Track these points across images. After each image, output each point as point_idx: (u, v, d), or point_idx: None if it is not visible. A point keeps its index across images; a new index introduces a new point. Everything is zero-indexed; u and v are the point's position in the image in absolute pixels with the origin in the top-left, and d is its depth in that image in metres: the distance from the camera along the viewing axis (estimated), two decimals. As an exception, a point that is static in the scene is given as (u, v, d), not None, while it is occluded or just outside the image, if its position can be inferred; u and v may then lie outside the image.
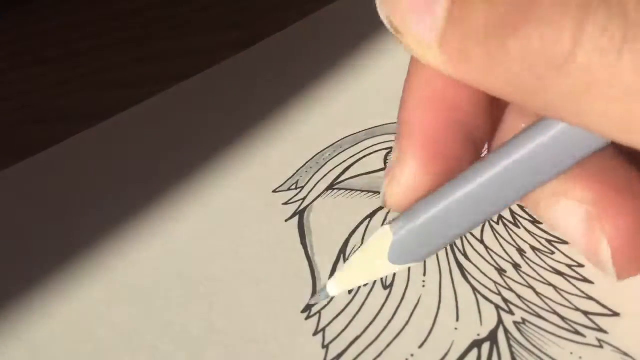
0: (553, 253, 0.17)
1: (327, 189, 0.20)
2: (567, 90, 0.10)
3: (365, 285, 0.17)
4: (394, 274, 0.17)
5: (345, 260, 0.18)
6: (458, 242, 0.18)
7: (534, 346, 0.15)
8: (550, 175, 0.12)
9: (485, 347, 0.15)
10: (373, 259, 0.14)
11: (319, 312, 0.16)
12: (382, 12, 0.12)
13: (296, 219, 0.19)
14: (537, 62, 0.10)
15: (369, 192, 0.20)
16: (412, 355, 0.15)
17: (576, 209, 0.14)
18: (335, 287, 0.15)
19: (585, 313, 0.16)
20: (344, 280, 0.15)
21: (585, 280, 0.17)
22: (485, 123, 0.14)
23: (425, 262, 0.17)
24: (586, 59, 0.09)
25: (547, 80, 0.10)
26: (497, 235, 0.18)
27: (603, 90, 0.10)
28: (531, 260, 0.17)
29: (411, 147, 0.13)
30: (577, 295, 0.16)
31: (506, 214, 0.18)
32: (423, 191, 0.13)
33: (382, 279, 0.17)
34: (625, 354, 0.15)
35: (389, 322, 0.16)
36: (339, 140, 0.21)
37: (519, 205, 0.19)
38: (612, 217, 0.13)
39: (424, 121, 0.13)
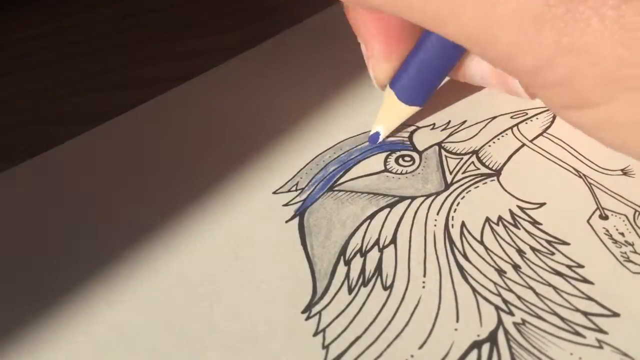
0: (553, 254, 0.17)
1: (327, 191, 0.20)
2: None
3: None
4: (394, 274, 0.17)
5: (345, 262, 0.18)
6: (458, 243, 0.18)
7: (534, 347, 0.15)
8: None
9: (485, 348, 0.15)
10: (391, 106, 0.21)
11: (319, 312, 0.16)
12: None
13: (296, 220, 0.19)
14: None
15: (369, 193, 0.20)
16: (412, 356, 0.15)
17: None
18: (383, 131, 0.21)
19: (585, 314, 0.16)
20: (384, 125, 0.21)
21: (585, 280, 0.17)
22: None
23: (425, 263, 0.17)
24: None
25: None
26: (496, 236, 0.18)
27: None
28: (531, 261, 0.17)
29: (377, 43, 0.20)
30: (576, 296, 0.16)
31: (506, 215, 0.19)
32: (395, 65, 0.20)
33: (382, 281, 0.17)
34: (625, 355, 0.15)
35: (389, 322, 0.16)
36: (339, 142, 0.21)
37: (517, 206, 0.19)
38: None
39: (373, 24, 0.19)
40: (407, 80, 0.20)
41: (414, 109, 0.21)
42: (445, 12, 0.15)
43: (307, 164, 0.21)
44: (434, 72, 0.20)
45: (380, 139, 0.21)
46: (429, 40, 0.19)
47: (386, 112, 0.21)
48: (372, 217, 0.19)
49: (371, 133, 0.21)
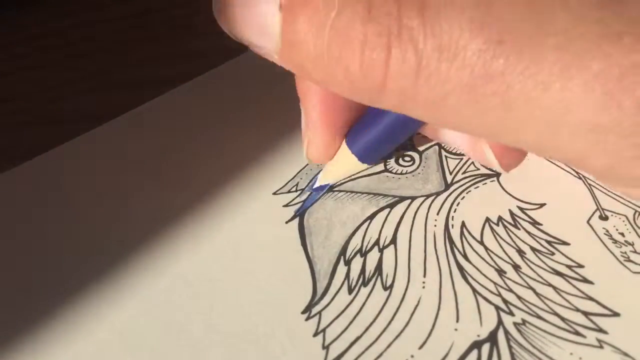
0: (553, 254, 0.17)
1: (327, 191, 0.20)
2: (389, 102, 0.13)
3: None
4: (394, 274, 0.17)
5: (345, 262, 0.18)
6: (458, 243, 0.18)
7: (534, 347, 0.15)
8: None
9: (485, 348, 0.15)
10: (345, 164, 0.19)
11: (320, 312, 0.16)
12: (224, 28, 0.15)
13: (297, 220, 0.19)
14: (361, 87, 0.13)
15: (369, 193, 0.20)
16: (412, 356, 0.15)
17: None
18: (320, 179, 0.19)
19: (585, 313, 0.16)
20: (329, 176, 0.19)
21: (585, 280, 0.17)
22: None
23: (425, 263, 0.17)
24: (395, 82, 0.13)
25: (374, 97, 0.13)
26: (496, 236, 0.18)
27: (412, 99, 0.13)
28: (531, 261, 0.17)
29: (315, 112, 0.18)
30: (577, 296, 0.16)
31: (506, 216, 0.19)
32: (333, 144, 0.18)
33: (382, 281, 0.17)
34: (626, 354, 0.15)
35: (389, 323, 0.16)
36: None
37: (517, 207, 0.19)
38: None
39: (315, 96, 0.18)
40: (366, 141, 0.18)
41: (366, 166, 0.19)
42: (513, 125, 0.13)
43: (307, 165, 0.21)
44: (399, 135, 0.18)
45: (325, 190, 0.20)
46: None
47: (336, 165, 0.19)
48: (372, 217, 0.19)
49: (317, 185, 0.20)
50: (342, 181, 0.20)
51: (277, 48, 0.14)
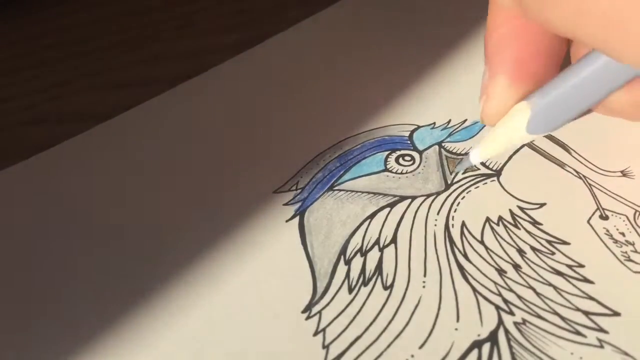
0: (553, 253, 0.17)
1: (327, 190, 0.20)
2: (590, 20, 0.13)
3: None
4: (394, 274, 0.17)
5: (345, 261, 0.18)
6: (458, 243, 0.18)
7: (535, 347, 0.15)
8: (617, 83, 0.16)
9: (486, 347, 0.15)
10: (511, 131, 0.17)
11: (320, 312, 0.16)
12: None
13: (297, 219, 0.19)
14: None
15: (369, 193, 0.20)
16: (412, 355, 0.15)
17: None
18: (479, 156, 0.18)
19: (586, 313, 0.16)
20: (487, 150, 0.18)
21: (586, 280, 0.17)
22: (561, 43, 0.17)
23: (425, 263, 0.17)
24: None
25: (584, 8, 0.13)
26: (497, 235, 0.18)
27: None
28: (531, 261, 0.17)
29: (502, 69, 0.17)
30: (577, 296, 0.16)
31: (506, 215, 0.19)
32: (513, 105, 0.17)
33: (382, 280, 0.17)
34: (626, 354, 0.15)
35: (389, 322, 0.16)
36: (339, 142, 0.21)
37: (518, 206, 0.19)
38: None
39: (510, 47, 0.17)
40: (548, 101, 0.17)
41: (532, 138, 0.18)
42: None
43: (307, 163, 0.21)
44: (583, 102, 0.17)
45: (469, 165, 0.19)
46: (592, 61, 0.16)
47: (499, 135, 0.18)
48: (372, 216, 0.19)
49: (464, 161, 0.19)
50: (342, 180, 0.20)
51: None
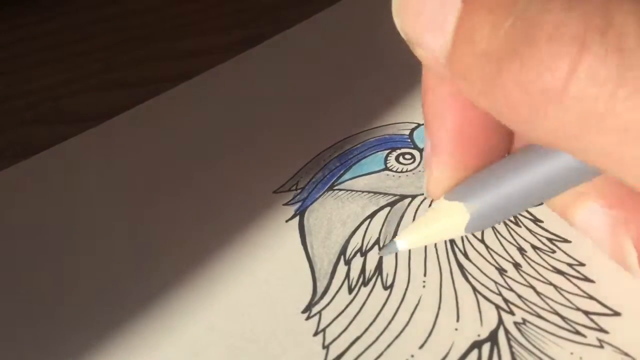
0: (554, 252, 0.17)
1: (327, 190, 0.20)
2: (563, 122, 0.10)
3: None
4: (394, 273, 0.17)
5: (345, 261, 0.18)
6: (459, 242, 0.18)
7: (535, 346, 0.15)
8: (578, 181, 0.13)
9: (486, 347, 0.15)
10: (448, 230, 0.15)
11: (320, 312, 0.16)
12: (397, 23, 0.13)
13: (297, 219, 0.19)
14: (533, 90, 0.10)
15: (369, 192, 0.20)
16: (412, 355, 0.15)
17: (600, 212, 0.14)
18: (408, 244, 0.15)
19: (586, 313, 0.16)
20: (418, 240, 0.15)
21: (586, 279, 0.17)
22: None
23: (425, 262, 0.17)
24: (580, 90, 0.09)
25: (542, 110, 0.10)
26: (497, 234, 0.18)
27: (598, 124, 0.09)
28: (532, 259, 0.17)
29: (443, 141, 0.14)
30: (577, 295, 0.16)
31: (507, 214, 0.18)
32: (458, 180, 0.14)
33: (382, 280, 0.17)
34: (626, 354, 0.15)
35: (390, 322, 0.16)
36: (339, 141, 0.21)
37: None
38: (637, 220, 0.13)
39: (451, 113, 0.14)
40: (491, 207, 0.14)
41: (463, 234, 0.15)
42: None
43: (307, 163, 0.21)
44: (527, 199, 0.14)
45: (394, 251, 0.16)
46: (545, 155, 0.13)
47: (424, 226, 0.15)
48: (372, 216, 0.19)
49: (390, 245, 0.15)
50: (342, 180, 0.20)
51: (447, 46, 0.11)
